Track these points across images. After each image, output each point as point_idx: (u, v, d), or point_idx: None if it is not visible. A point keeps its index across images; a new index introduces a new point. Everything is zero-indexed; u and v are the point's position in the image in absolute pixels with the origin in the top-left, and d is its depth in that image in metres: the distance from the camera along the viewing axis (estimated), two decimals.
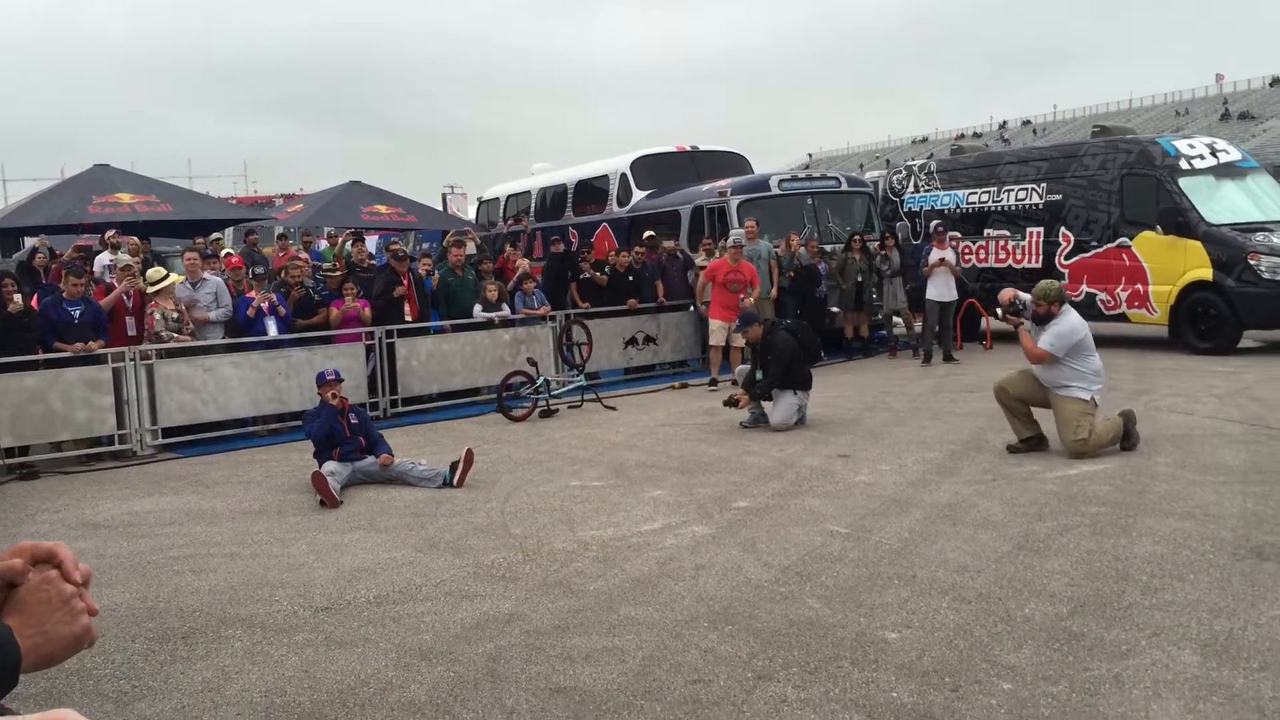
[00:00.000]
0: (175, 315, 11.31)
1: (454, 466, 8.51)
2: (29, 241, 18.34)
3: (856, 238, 16.19)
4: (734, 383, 11.56)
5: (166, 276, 11.63)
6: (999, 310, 9.02)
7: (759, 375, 10.52)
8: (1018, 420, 8.66)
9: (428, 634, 5.12)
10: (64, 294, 10.66)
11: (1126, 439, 8.34)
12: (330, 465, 8.37)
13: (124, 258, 12.34)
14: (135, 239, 13.91)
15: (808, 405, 10.52)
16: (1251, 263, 13.63)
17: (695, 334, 15.53)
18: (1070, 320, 8.36)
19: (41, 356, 10.51)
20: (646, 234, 16.51)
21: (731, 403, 10.61)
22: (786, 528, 6.71)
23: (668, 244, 16.24)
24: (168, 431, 11.08)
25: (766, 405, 10.49)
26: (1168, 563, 5.56)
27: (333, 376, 9.05)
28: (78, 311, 10.61)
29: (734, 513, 7.19)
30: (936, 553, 5.99)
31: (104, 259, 13.55)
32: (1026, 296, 8.69)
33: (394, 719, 4.16)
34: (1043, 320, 8.41)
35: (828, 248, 16.45)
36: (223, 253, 14.64)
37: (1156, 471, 7.67)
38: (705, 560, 6.08)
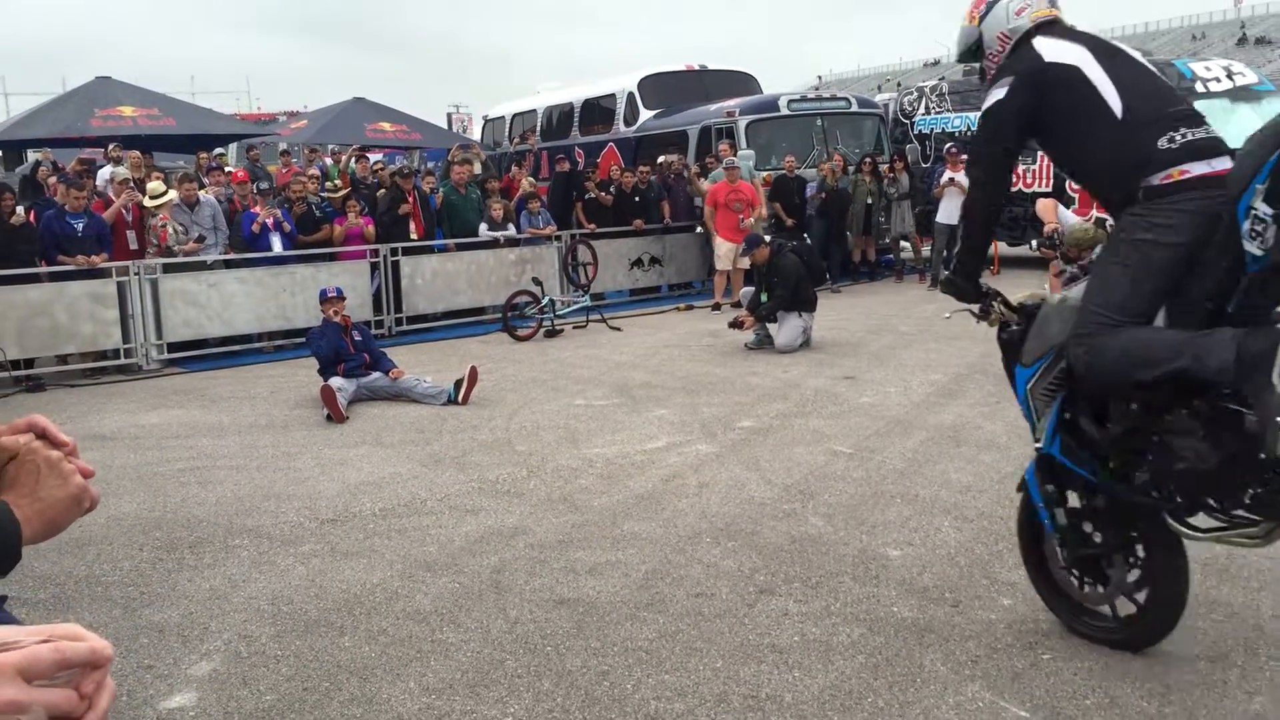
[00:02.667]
0: (182, 228, 11.26)
1: (458, 384, 8.52)
2: (31, 154, 18.20)
3: (867, 160, 16.00)
4: (737, 304, 11.52)
5: (167, 192, 11.55)
6: (1033, 241, 8.65)
7: (764, 297, 10.49)
8: None
9: (432, 546, 5.16)
10: (66, 207, 10.59)
11: None
12: (337, 381, 8.38)
13: (122, 171, 12.22)
14: (137, 153, 13.77)
15: (813, 327, 10.50)
16: None
17: (701, 255, 15.43)
18: None
19: (45, 269, 10.48)
20: (661, 159, 16.33)
21: (736, 324, 10.59)
22: (790, 447, 6.73)
23: (672, 159, 16.06)
24: (173, 346, 11.09)
25: (771, 327, 10.48)
26: None
27: (334, 294, 9.04)
28: (80, 225, 10.54)
29: (738, 432, 7.20)
30: (939, 473, 6.01)
31: (106, 173, 13.44)
32: (1072, 219, 8.40)
33: (400, 627, 4.20)
34: (1072, 260, 8.19)
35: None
36: (228, 169, 14.51)
37: None
38: (708, 478, 6.11)
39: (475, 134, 25.66)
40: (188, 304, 11.07)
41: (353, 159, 16.33)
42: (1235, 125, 14.35)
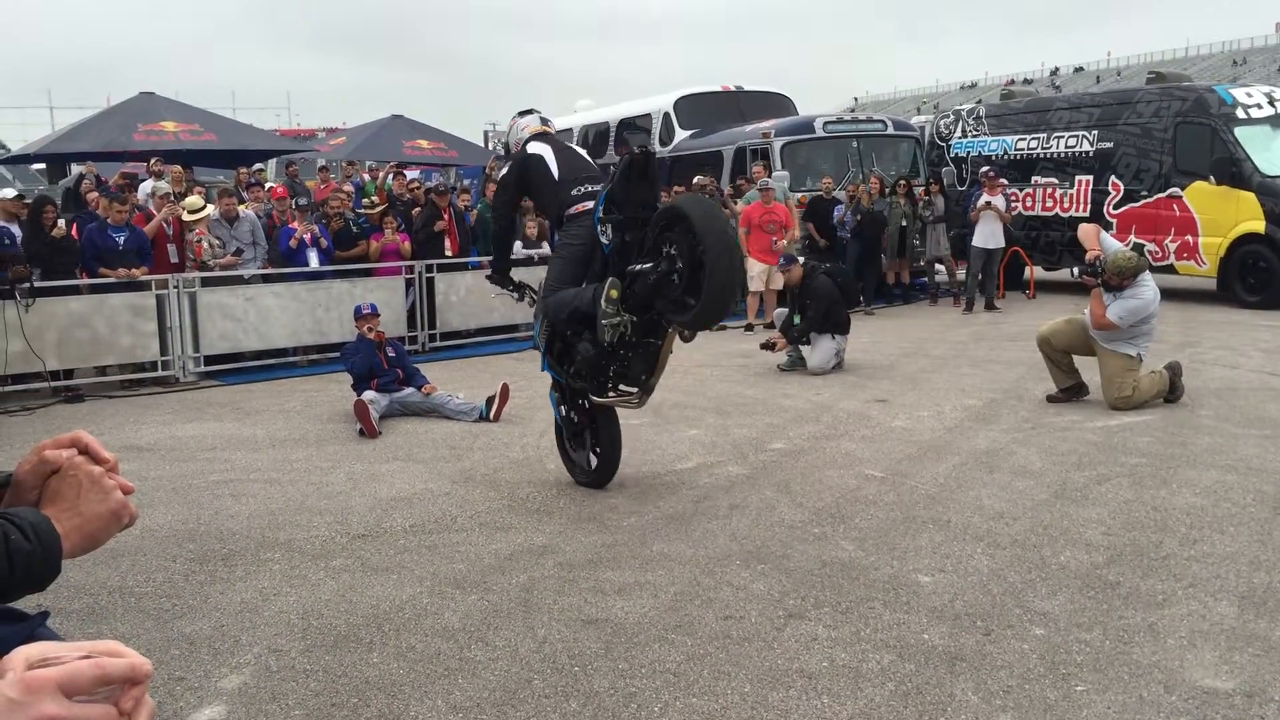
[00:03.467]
0: (219, 242, 11.41)
1: (490, 401, 8.55)
2: (75, 168, 18.49)
3: (901, 183, 15.97)
4: (769, 325, 11.51)
5: (204, 207, 11.70)
6: (1074, 269, 8.41)
7: (796, 319, 10.46)
8: (1059, 371, 8.55)
9: (462, 563, 5.17)
10: (108, 220, 10.75)
11: (1171, 391, 8.22)
12: (369, 395, 8.43)
13: (163, 186, 12.39)
14: (178, 168, 13.95)
15: (846, 350, 10.46)
16: None
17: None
18: (1145, 295, 8.03)
19: (86, 281, 10.62)
20: (696, 179, 16.35)
21: (768, 346, 10.56)
22: (821, 470, 6.70)
23: (704, 181, 16.09)
24: (209, 359, 11.20)
25: (805, 349, 10.45)
26: (1207, 515, 5.51)
27: (369, 310, 9.10)
28: (122, 238, 10.69)
29: (769, 454, 7.18)
30: (972, 499, 5.96)
31: (147, 187, 13.62)
32: (1114, 246, 8.31)
33: (428, 644, 4.21)
34: (1114, 288, 8.11)
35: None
36: (268, 185, 14.66)
37: (1199, 424, 7.57)
38: (739, 500, 6.09)
39: None
40: (225, 318, 11.18)
41: (389, 176, 16.46)
42: (1276, 153, 14.23)
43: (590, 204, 5.97)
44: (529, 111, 6.82)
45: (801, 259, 11.45)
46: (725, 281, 5.15)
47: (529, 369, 11.08)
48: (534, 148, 6.40)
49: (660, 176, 6.44)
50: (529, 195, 6.79)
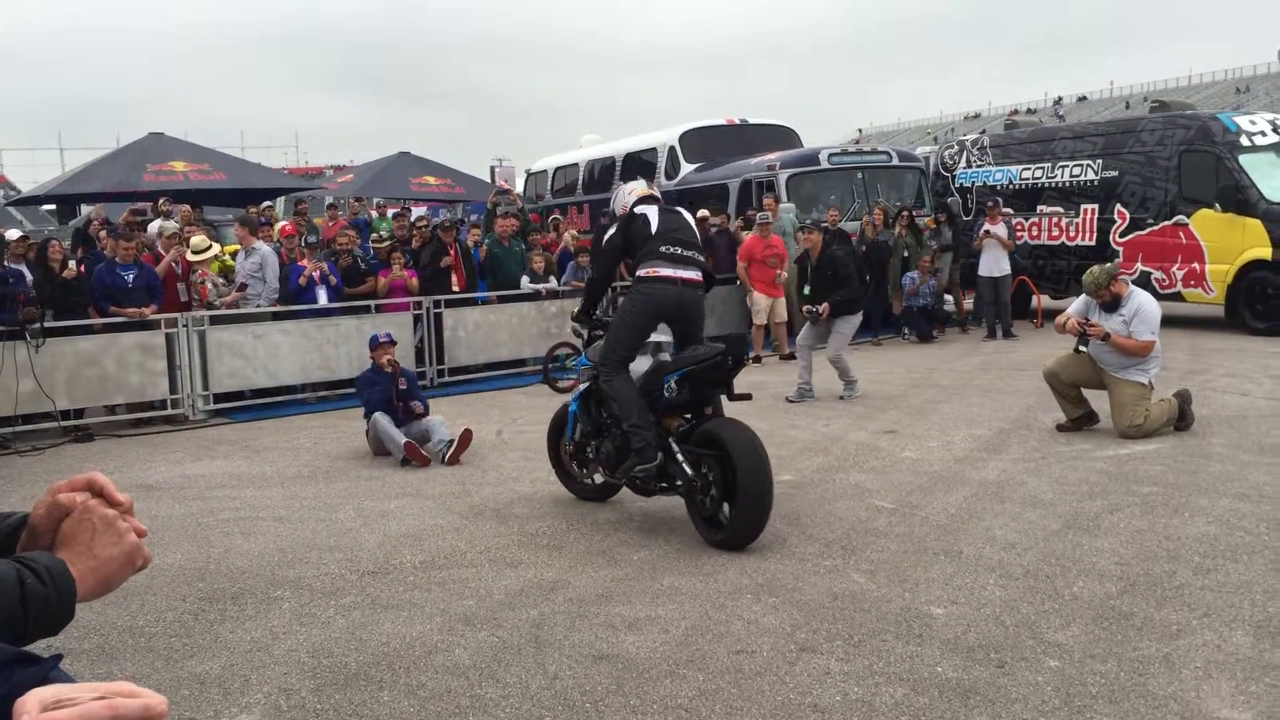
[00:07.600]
0: (223, 281, 11.47)
1: (450, 443, 8.40)
2: (85, 209, 18.62)
3: (904, 213, 16.00)
4: (786, 357, 11.54)
5: (210, 247, 11.76)
6: (1076, 350, 8.34)
7: (806, 290, 10.74)
8: (1068, 403, 8.52)
9: (472, 599, 5.15)
10: (116, 258, 10.81)
11: (1181, 419, 8.19)
12: (384, 421, 8.48)
13: (171, 226, 12.46)
14: (187, 207, 14.04)
15: (856, 384, 10.49)
16: None
17: (740, 309, 15.44)
18: (1147, 302, 8.09)
19: (97, 321, 10.67)
20: (700, 213, 16.42)
21: (813, 316, 10.62)
22: (831, 502, 6.68)
23: (712, 215, 16.16)
24: (219, 397, 11.22)
25: (819, 350, 10.61)
26: (1220, 543, 5.47)
27: (385, 339, 9.09)
28: (131, 276, 10.75)
29: (778, 486, 7.09)
30: (983, 529, 5.93)
31: (154, 227, 13.71)
32: (1090, 292, 8.33)
33: (438, 681, 4.19)
34: (1112, 306, 8.12)
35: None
36: (278, 224, 14.75)
37: (1210, 452, 7.54)
38: None
39: (518, 187, 25.97)
40: (234, 355, 11.22)
41: (393, 215, 16.58)
42: None
43: (666, 270, 6.21)
44: (634, 178, 7.35)
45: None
46: (758, 505, 5.72)
47: (537, 403, 11.11)
48: (640, 209, 6.53)
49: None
50: (629, 254, 6.63)
